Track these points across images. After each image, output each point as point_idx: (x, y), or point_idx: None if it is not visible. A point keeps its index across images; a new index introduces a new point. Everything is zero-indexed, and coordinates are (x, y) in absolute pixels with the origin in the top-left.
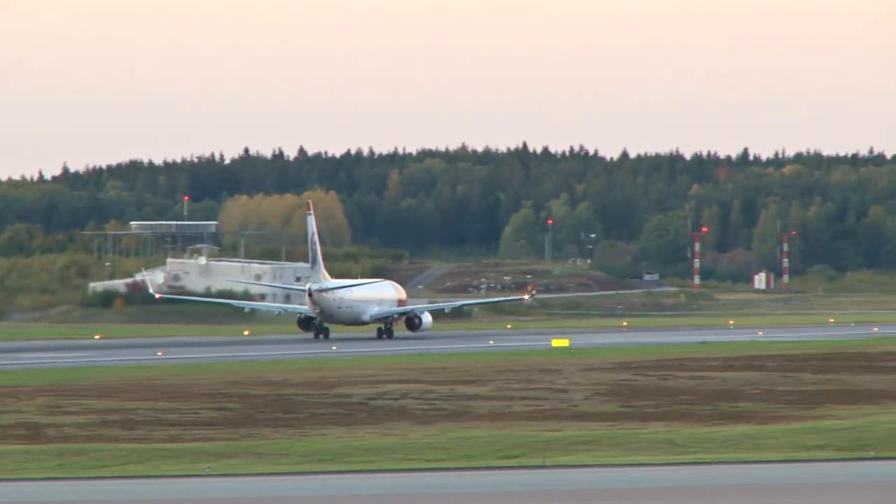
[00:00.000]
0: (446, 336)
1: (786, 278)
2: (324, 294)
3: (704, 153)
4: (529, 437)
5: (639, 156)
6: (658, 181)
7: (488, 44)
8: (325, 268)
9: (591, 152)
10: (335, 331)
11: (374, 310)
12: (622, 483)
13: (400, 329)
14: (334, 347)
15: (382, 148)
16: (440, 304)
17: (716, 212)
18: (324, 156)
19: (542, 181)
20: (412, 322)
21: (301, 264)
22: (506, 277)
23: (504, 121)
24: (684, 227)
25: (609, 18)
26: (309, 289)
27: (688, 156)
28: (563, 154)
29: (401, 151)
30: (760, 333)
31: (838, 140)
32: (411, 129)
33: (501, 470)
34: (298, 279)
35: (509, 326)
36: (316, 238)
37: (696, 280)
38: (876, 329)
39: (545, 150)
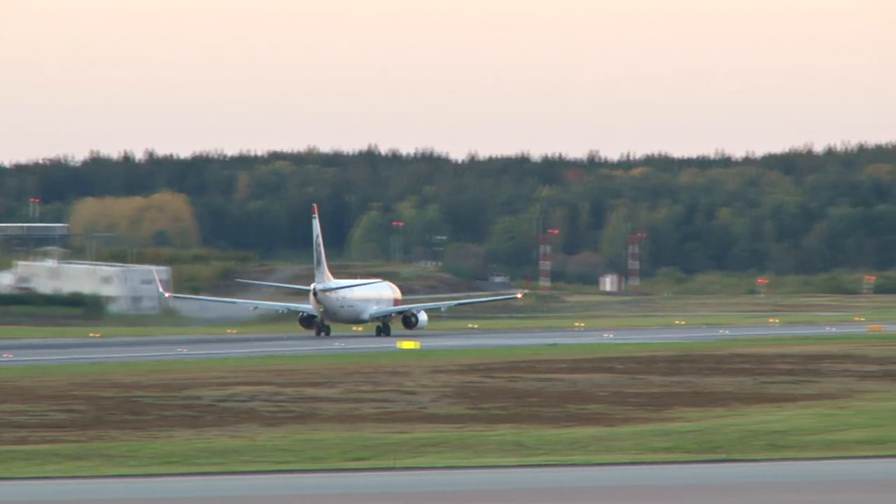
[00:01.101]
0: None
1: (634, 280)
2: (328, 294)
3: (552, 155)
4: (378, 439)
5: (487, 158)
6: (506, 183)
7: (333, 45)
8: (173, 271)
9: (440, 154)
10: (337, 329)
11: (373, 309)
12: (471, 485)
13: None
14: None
15: (231, 150)
16: (436, 304)
17: (564, 214)
18: (172, 158)
19: (391, 183)
20: (409, 320)
21: (150, 267)
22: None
23: (352, 123)
24: (533, 230)
25: (465, 20)
26: (314, 289)
27: (536, 158)
28: (412, 156)
29: (249, 154)
30: (609, 335)
31: (686, 142)
32: (260, 131)
33: (350, 472)
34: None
35: (359, 329)
36: (320, 240)
37: (545, 282)
38: (724, 331)
39: (393, 152)
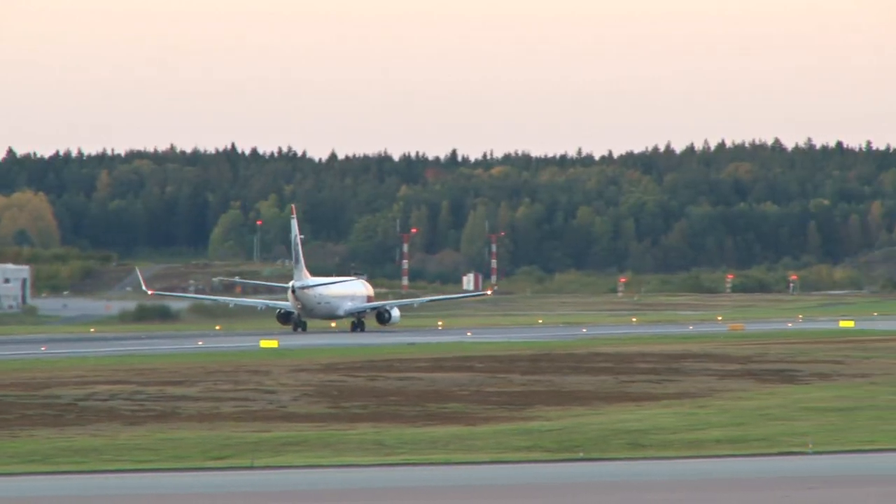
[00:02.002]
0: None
1: (494, 279)
2: (306, 291)
3: (413, 154)
4: (238, 438)
5: (347, 157)
6: (366, 182)
7: (195, 43)
8: (33, 270)
9: (300, 153)
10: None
11: (348, 305)
12: (331, 484)
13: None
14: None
15: (91, 149)
16: (408, 300)
17: (424, 213)
18: (32, 157)
19: (251, 182)
20: (382, 316)
21: (8, 266)
22: (214, 279)
23: (212, 122)
24: (393, 229)
25: (324, 19)
26: (292, 286)
27: (396, 157)
28: (272, 155)
29: (109, 152)
30: (469, 334)
31: (546, 141)
32: (120, 130)
33: (210, 471)
34: (7, 281)
35: (218, 328)
36: (298, 239)
37: (405, 281)
38: (584, 330)
39: (253, 150)
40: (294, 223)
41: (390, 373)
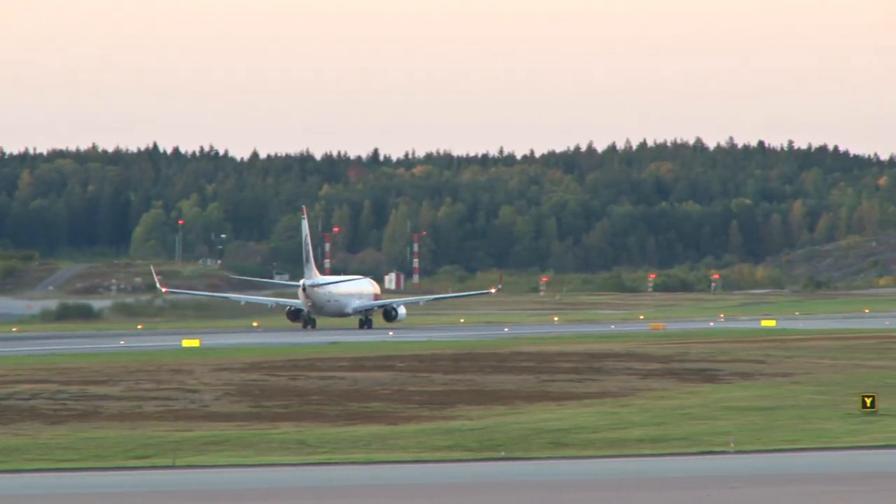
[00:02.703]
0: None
1: (416, 278)
2: (316, 289)
3: (335, 153)
4: (160, 438)
5: (269, 156)
6: (288, 181)
7: (116, 42)
8: None
9: (222, 152)
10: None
11: (356, 303)
12: (253, 483)
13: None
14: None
15: (13, 148)
16: (415, 298)
17: (346, 212)
18: None
19: (173, 181)
20: (389, 314)
21: None
22: (136, 278)
23: (134, 121)
24: (315, 228)
25: (244, 16)
26: (303, 284)
27: (318, 156)
28: (194, 154)
29: (31, 152)
30: (391, 334)
31: (468, 141)
32: (42, 129)
33: (131, 470)
34: None
35: (140, 327)
36: (309, 240)
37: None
38: (506, 329)
39: (175, 150)
40: (304, 224)
41: (312, 372)
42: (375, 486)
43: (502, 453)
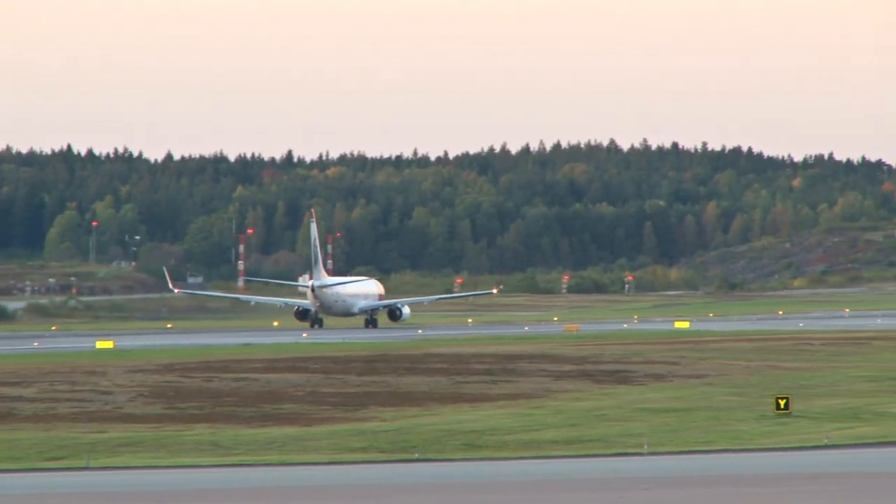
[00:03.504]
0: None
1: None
2: (324, 290)
3: (249, 155)
4: (74, 439)
5: (183, 158)
6: (202, 183)
7: (31, 42)
8: None
9: (136, 154)
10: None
11: (362, 303)
12: (167, 485)
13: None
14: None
15: None
16: (419, 298)
17: (260, 214)
18: None
19: (87, 183)
20: (394, 313)
21: None
22: (50, 280)
23: (48, 122)
24: (229, 229)
25: (163, 17)
26: (312, 285)
27: (232, 158)
28: (108, 156)
29: None
30: (305, 335)
31: (382, 142)
32: None
33: (44, 472)
34: None
35: (55, 328)
36: (317, 242)
37: (241, 282)
38: (420, 331)
39: (90, 151)
40: (313, 227)
41: (226, 374)
42: (289, 488)
43: (416, 455)
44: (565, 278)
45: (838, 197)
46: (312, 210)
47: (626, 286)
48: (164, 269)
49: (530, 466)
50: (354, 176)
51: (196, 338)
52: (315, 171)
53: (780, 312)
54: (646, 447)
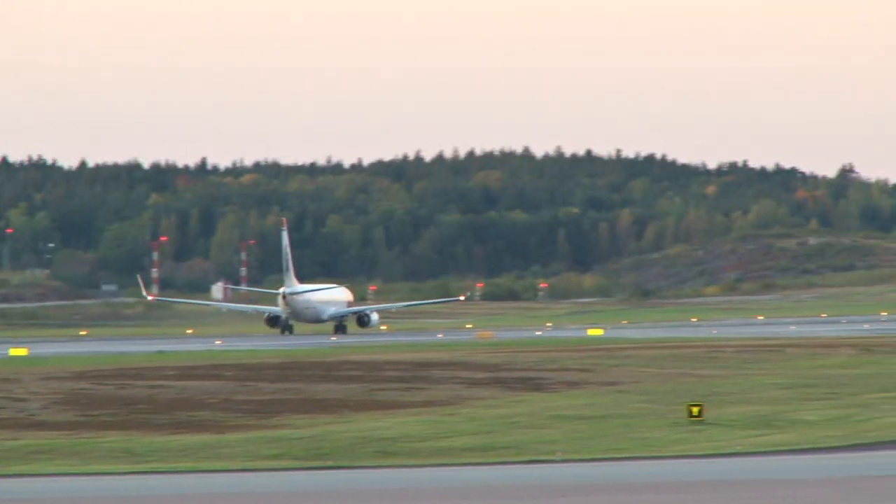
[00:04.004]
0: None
1: (154, 289)
2: (295, 297)
3: (163, 162)
4: None
5: (97, 165)
6: (116, 190)
7: None
8: None
9: (50, 161)
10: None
11: (331, 310)
12: (80, 492)
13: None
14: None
15: None
16: (387, 305)
17: (174, 221)
18: None
19: (1, 191)
20: (362, 320)
21: None
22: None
23: None
24: (143, 237)
25: (54, 24)
26: (283, 292)
27: (146, 165)
28: (22, 163)
29: None
30: (218, 342)
31: (296, 149)
32: None
33: None
34: None
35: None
36: (288, 249)
37: (155, 290)
38: (333, 338)
39: (4, 159)
40: (284, 235)
41: (139, 381)
42: (203, 495)
43: (330, 462)
44: (479, 285)
45: (752, 204)
46: (284, 219)
47: (540, 293)
48: (138, 276)
49: (444, 473)
50: (268, 183)
51: (110, 345)
52: (229, 179)
53: (694, 320)
54: (559, 454)
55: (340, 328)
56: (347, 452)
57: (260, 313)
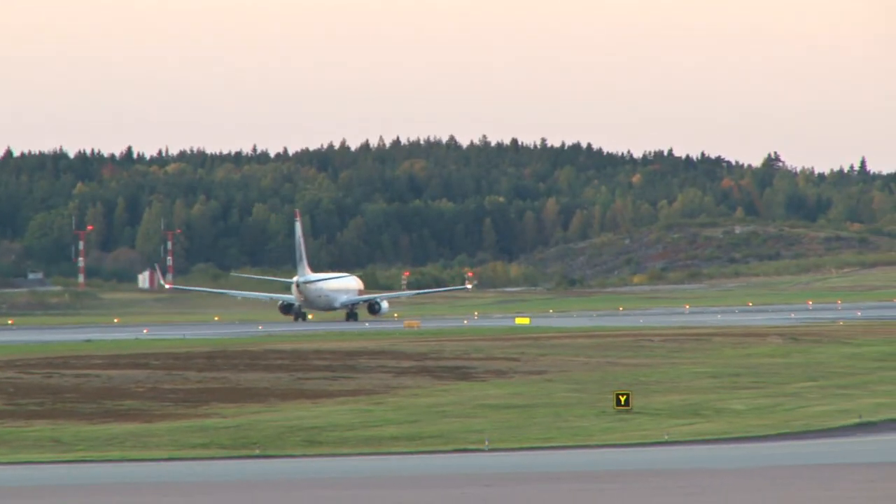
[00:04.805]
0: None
1: (170, 277)
2: (308, 285)
3: (89, 151)
4: None
5: (23, 154)
6: (42, 179)
7: None
8: None
9: None
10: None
11: (343, 298)
12: (7, 481)
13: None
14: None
15: None
16: (396, 293)
17: (100, 210)
18: None
19: None
20: (373, 308)
21: None
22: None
23: None
24: (69, 226)
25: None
26: (297, 281)
27: (72, 154)
28: None
29: None
30: (146, 331)
31: (222, 138)
32: None
33: None
34: None
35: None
36: (302, 240)
37: (82, 279)
38: (260, 327)
39: None
40: (298, 226)
41: (67, 370)
42: (130, 484)
43: (257, 451)
44: (405, 274)
45: (678, 193)
46: (297, 211)
47: (467, 282)
48: (155, 265)
49: (371, 463)
50: (194, 172)
51: (37, 334)
52: (155, 168)
53: (621, 308)
54: (487, 443)
55: (352, 315)
56: (275, 441)
57: (274, 301)
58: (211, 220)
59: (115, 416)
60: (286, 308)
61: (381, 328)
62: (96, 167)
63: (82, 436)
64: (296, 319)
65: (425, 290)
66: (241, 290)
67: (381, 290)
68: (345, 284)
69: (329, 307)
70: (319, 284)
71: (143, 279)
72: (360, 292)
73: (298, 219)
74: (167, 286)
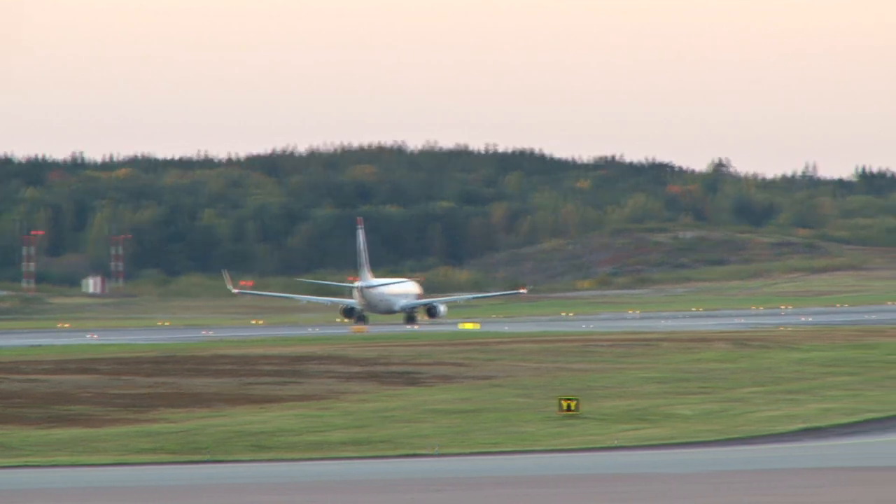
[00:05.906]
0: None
1: (119, 282)
2: (370, 290)
3: (36, 156)
4: None
5: None
6: None
7: None
8: None
9: None
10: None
11: (402, 302)
12: None
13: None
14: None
15: None
16: (454, 297)
17: (48, 215)
18: None
19: None
20: (431, 311)
21: None
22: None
23: None
24: (17, 231)
25: None
26: (359, 286)
27: (19, 159)
28: None
29: None
30: (93, 336)
31: (170, 143)
32: None
33: None
34: None
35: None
36: (365, 247)
37: (29, 284)
38: (208, 332)
39: None
40: (360, 233)
41: (14, 375)
42: (77, 489)
43: (206, 456)
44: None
45: (626, 199)
46: (360, 219)
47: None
48: (224, 272)
49: (319, 467)
50: (142, 177)
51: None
52: (103, 173)
53: (570, 315)
54: (436, 448)
55: (410, 318)
56: (222, 446)
57: (336, 305)
58: (159, 225)
59: (63, 421)
60: (348, 311)
61: (328, 333)
62: (44, 172)
63: (29, 440)
64: (356, 322)
65: (481, 295)
66: (302, 294)
67: (328, 295)
68: (404, 289)
69: (389, 310)
70: (380, 289)
71: (92, 284)
72: (419, 296)
73: (361, 226)
74: (234, 291)
